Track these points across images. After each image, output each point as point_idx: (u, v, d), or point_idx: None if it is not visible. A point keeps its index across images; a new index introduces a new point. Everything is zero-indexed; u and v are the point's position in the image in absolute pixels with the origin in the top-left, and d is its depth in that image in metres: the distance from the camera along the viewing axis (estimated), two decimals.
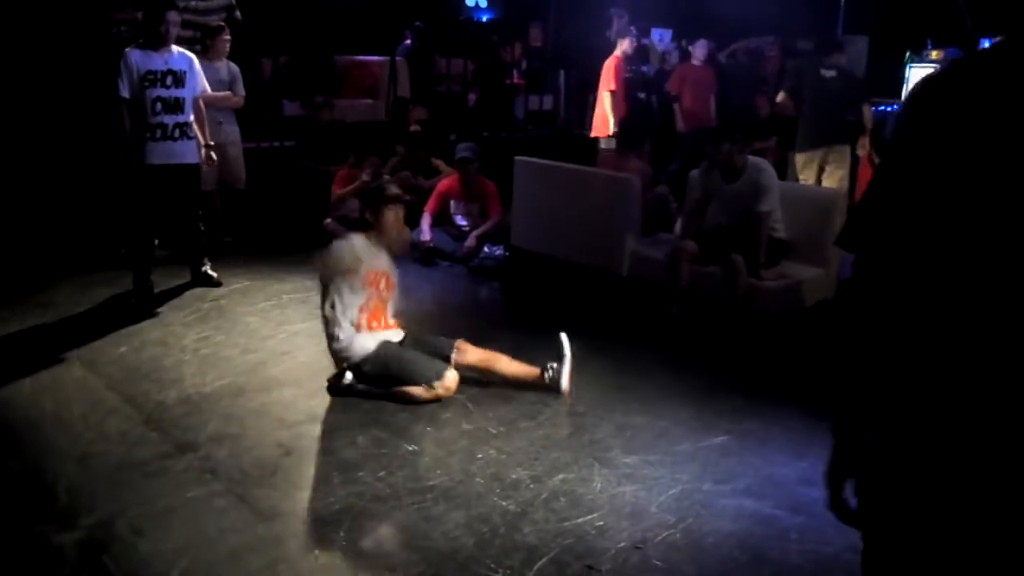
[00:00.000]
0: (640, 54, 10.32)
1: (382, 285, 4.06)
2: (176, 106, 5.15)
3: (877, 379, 1.43)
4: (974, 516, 1.32)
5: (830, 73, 6.81)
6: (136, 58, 5.04)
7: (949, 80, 1.35)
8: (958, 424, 1.33)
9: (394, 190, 4.17)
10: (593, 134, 8.58)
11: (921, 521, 1.39)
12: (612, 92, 8.21)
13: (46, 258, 6.06)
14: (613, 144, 7.91)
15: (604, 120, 8.29)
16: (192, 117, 5.29)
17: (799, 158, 6.91)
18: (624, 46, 8.30)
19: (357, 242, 4.01)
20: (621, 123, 8.01)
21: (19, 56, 6.69)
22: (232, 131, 6.48)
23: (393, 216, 4.08)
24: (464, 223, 6.78)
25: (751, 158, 5.19)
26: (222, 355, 4.49)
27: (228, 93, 6.30)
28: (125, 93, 5.02)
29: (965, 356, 1.31)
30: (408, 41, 10.00)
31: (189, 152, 5.28)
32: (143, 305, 5.19)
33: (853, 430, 1.49)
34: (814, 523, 3.04)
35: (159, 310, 5.13)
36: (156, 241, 5.45)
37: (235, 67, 6.45)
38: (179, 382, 4.12)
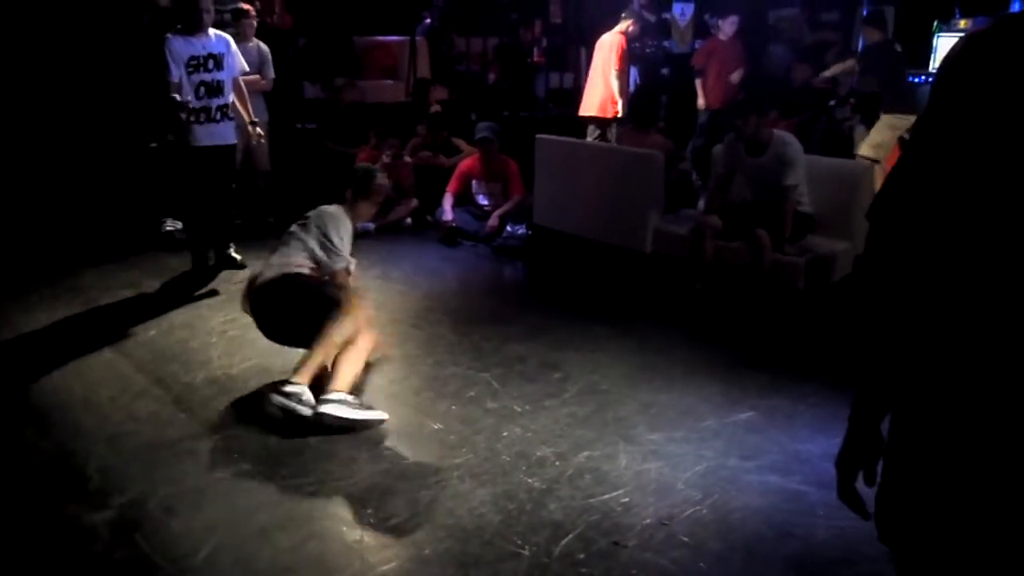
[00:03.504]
0: (662, 29, 10.18)
1: None
2: (218, 89, 5.25)
3: (898, 359, 1.34)
4: (1004, 512, 1.26)
5: None
6: (178, 45, 5.09)
7: (997, 38, 1.20)
8: (982, 412, 1.24)
9: (381, 185, 4.18)
10: (590, 113, 8.00)
11: (951, 521, 1.30)
12: (619, 71, 7.72)
13: (74, 243, 6.12)
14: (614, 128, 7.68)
15: (612, 101, 7.80)
16: (232, 98, 5.39)
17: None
18: (629, 24, 7.84)
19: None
20: (631, 101, 7.83)
21: (45, 45, 6.74)
22: (260, 114, 6.49)
23: (369, 208, 4.19)
24: (486, 203, 6.76)
25: (776, 131, 5.13)
26: (248, 337, 4.50)
27: (256, 76, 6.34)
28: (175, 77, 5.07)
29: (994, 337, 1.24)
30: (427, 20, 9.96)
31: (230, 133, 5.43)
32: (201, 281, 5.34)
33: (871, 413, 1.40)
34: None
35: (185, 293, 5.17)
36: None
37: (265, 48, 6.48)
38: (207, 364, 4.16)
